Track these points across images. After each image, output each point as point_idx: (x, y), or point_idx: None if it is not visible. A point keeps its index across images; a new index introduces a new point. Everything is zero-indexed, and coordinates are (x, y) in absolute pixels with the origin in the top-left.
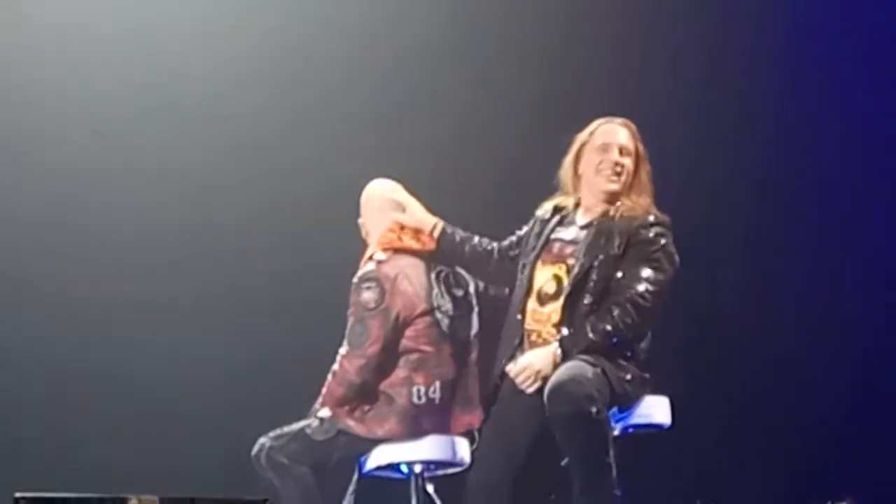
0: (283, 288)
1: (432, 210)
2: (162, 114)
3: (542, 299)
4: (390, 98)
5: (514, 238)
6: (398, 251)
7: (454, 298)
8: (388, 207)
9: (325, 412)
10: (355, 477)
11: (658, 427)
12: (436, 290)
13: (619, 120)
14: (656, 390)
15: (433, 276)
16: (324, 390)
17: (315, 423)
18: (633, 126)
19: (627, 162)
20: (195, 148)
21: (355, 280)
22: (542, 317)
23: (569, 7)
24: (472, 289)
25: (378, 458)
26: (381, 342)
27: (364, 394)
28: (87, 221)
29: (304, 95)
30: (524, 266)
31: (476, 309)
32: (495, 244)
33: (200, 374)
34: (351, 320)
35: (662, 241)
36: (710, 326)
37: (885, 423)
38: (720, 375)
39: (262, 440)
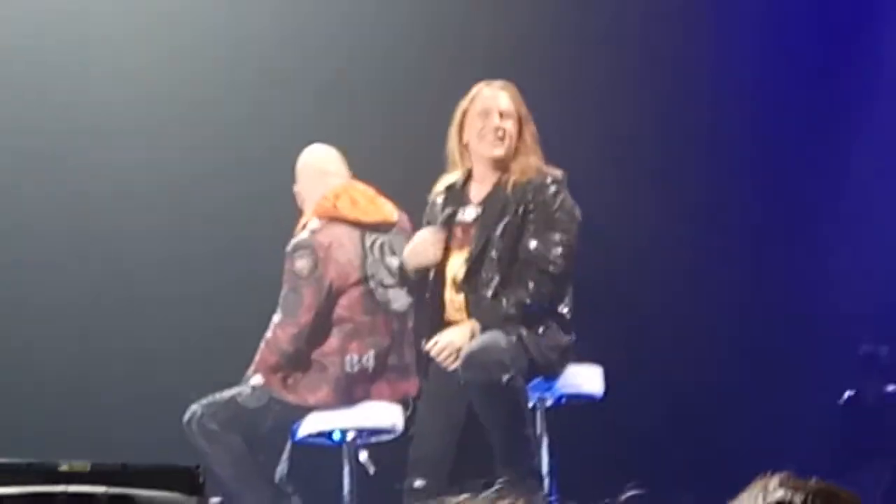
0: (218, 255)
1: (357, 175)
2: (95, 82)
3: (459, 287)
4: (323, 65)
5: None
6: (333, 219)
7: (388, 268)
8: (323, 175)
9: (257, 380)
10: (288, 444)
11: (590, 397)
12: (370, 260)
13: (499, 83)
14: (588, 359)
15: (368, 245)
16: (257, 357)
17: (247, 390)
18: (513, 88)
19: (509, 125)
20: (129, 116)
21: (289, 248)
22: (460, 305)
23: None
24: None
25: (310, 425)
26: (315, 310)
27: (297, 362)
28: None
29: (238, 62)
30: None
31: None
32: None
33: (133, 341)
34: (285, 288)
35: (560, 199)
36: (638, 293)
37: (812, 388)
38: (654, 344)
39: (194, 407)
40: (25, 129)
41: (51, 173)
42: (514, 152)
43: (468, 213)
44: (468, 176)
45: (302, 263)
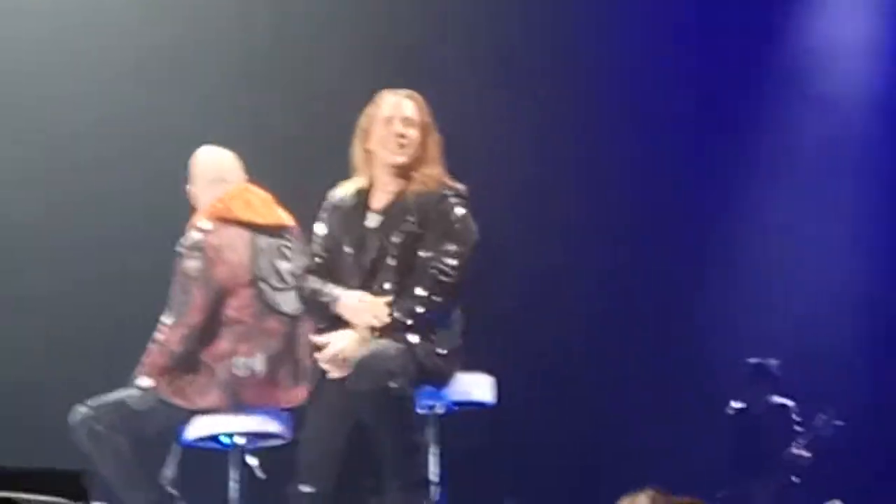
0: (107, 252)
1: (253, 177)
2: None
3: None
4: (222, 64)
5: (317, 246)
6: (225, 221)
7: (279, 272)
8: (217, 179)
9: (145, 382)
10: (175, 448)
11: (481, 405)
12: (261, 262)
13: (404, 92)
14: (479, 368)
15: (260, 247)
16: (145, 359)
17: (135, 392)
18: (418, 97)
19: (412, 133)
20: (20, 104)
21: (179, 248)
22: None
23: None
24: (298, 264)
25: (198, 429)
26: (204, 312)
27: (186, 364)
28: None
29: (141, 58)
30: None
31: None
32: (310, 267)
33: (18, 340)
34: (175, 289)
35: (459, 213)
36: (530, 303)
37: (701, 399)
38: (544, 354)
39: (81, 409)
40: None
41: None
42: (417, 161)
43: (369, 220)
44: (370, 183)
45: (192, 264)
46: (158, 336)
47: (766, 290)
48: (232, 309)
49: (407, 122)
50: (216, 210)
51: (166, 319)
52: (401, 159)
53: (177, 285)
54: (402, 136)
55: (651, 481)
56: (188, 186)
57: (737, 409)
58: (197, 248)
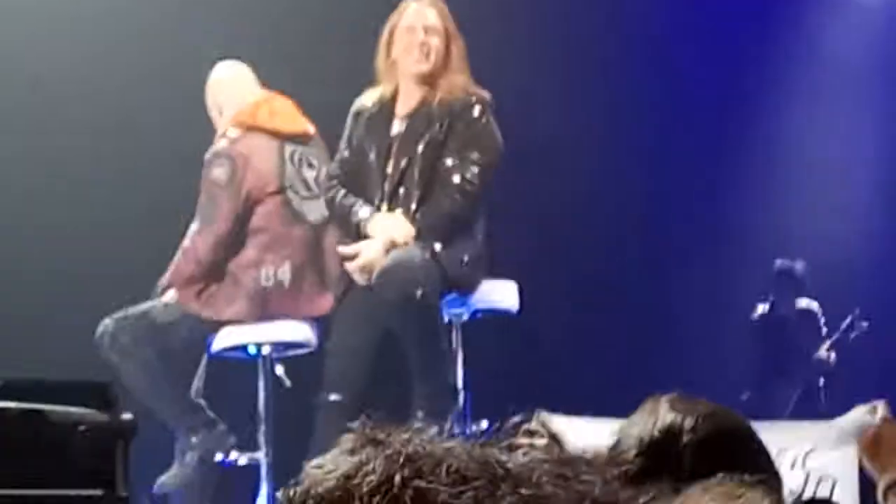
0: (129, 167)
1: (274, 88)
2: None
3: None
4: None
5: (342, 153)
6: (252, 129)
7: (305, 180)
8: (237, 93)
9: (170, 295)
10: (204, 359)
11: (505, 312)
12: (288, 170)
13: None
14: (503, 275)
15: (287, 155)
16: (172, 267)
17: (160, 305)
18: (441, 4)
19: (435, 41)
20: (33, 28)
21: (207, 156)
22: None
23: None
24: (324, 172)
25: (224, 339)
26: (232, 220)
27: (212, 272)
28: None
29: None
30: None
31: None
32: (335, 173)
33: (44, 256)
34: (202, 197)
35: (483, 121)
36: (554, 209)
37: (727, 303)
38: (568, 260)
39: (106, 321)
40: None
41: None
42: (441, 69)
43: (394, 128)
44: (396, 91)
45: (219, 172)
46: (186, 244)
47: (792, 191)
48: (259, 217)
49: (429, 29)
50: (242, 119)
51: (195, 227)
52: (424, 67)
53: (204, 193)
54: (425, 43)
55: (675, 385)
56: (208, 101)
57: (762, 312)
58: (224, 155)
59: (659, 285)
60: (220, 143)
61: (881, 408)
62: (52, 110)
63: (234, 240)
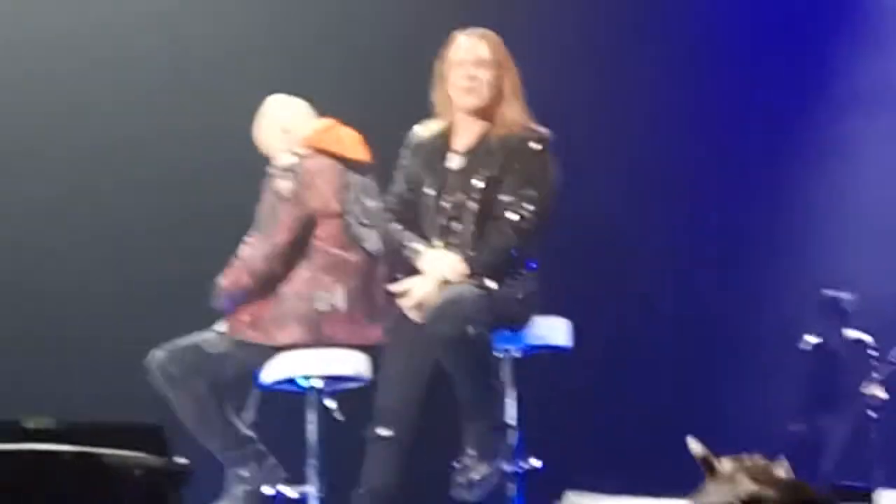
0: (177, 199)
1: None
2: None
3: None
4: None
5: (399, 185)
6: (319, 151)
7: (365, 208)
8: (286, 126)
9: (221, 326)
10: (254, 391)
11: (557, 349)
12: (351, 195)
13: (478, 31)
14: (556, 311)
15: (349, 181)
16: (227, 275)
17: (211, 335)
18: (492, 36)
19: (486, 74)
20: (97, 47)
21: (273, 169)
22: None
23: None
24: (379, 203)
25: (275, 371)
26: (291, 233)
27: (266, 288)
28: None
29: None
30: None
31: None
32: (391, 206)
33: (93, 291)
34: (263, 207)
35: (541, 158)
36: (607, 247)
37: (774, 333)
38: (620, 297)
39: (157, 352)
40: None
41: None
42: (494, 102)
43: (451, 162)
44: (452, 125)
45: (285, 184)
46: (241, 253)
47: (841, 221)
48: (318, 238)
49: (480, 62)
50: (309, 141)
51: (252, 237)
52: (475, 101)
53: (265, 205)
54: (475, 77)
55: (724, 417)
56: (258, 134)
57: (810, 343)
58: (291, 170)
59: (707, 318)
60: (287, 158)
61: None
62: (102, 140)
63: (290, 257)
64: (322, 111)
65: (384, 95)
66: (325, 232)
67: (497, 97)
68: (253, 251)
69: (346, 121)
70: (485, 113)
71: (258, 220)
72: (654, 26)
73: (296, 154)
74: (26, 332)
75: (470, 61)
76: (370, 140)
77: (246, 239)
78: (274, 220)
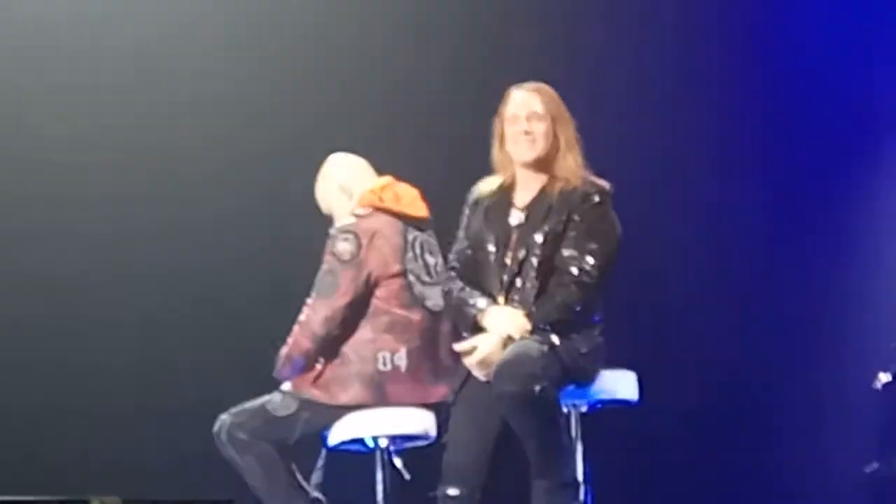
0: (242, 262)
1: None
2: (121, 71)
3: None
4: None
5: (460, 242)
6: (378, 210)
7: (426, 265)
8: (346, 184)
9: (286, 386)
10: (322, 452)
11: (625, 403)
12: (410, 254)
13: (531, 85)
14: (621, 365)
15: (409, 239)
16: (289, 340)
17: (276, 397)
18: (546, 89)
19: (540, 128)
20: (151, 108)
21: (333, 231)
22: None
23: None
24: (441, 260)
25: (342, 431)
26: (351, 296)
27: (327, 350)
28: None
29: (260, 55)
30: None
31: None
32: (453, 264)
33: (157, 367)
34: (323, 269)
35: (602, 211)
36: (673, 299)
37: (848, 375)
38: (688, 350)
39: (223, 417)
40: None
41: (51, 179)
42: (551, 155)
43: (512, 218)
44: (513, 181)
45: (344, 246)
46: (302, 317)
47: None
48: (379, 298)
49: (533, 116)
50: (369, 199)
51: (311, 300)
52: (528, 156)
53: (325, 267)
54: (529, 132)
55: (803, 465)
56: (318, 193)
57: (885, 382)
58: (350, 231)
59: (779, 365)
60: (346, 219)
61: None
62: (156, 201)
63: (352, 317)
64: (381, 169)
65: (443, 152)
66: (385, 292)
67: (553, 149)
68: (313, 314)
69: (405, 177)
70: (543, 166)
71: (318, 281)
72: (715, 71)
73: (355, 214)
74: (92, 406)
75: (524, 115)
76: (429, 196)
77: (307, 301)
78: (333, 282)
